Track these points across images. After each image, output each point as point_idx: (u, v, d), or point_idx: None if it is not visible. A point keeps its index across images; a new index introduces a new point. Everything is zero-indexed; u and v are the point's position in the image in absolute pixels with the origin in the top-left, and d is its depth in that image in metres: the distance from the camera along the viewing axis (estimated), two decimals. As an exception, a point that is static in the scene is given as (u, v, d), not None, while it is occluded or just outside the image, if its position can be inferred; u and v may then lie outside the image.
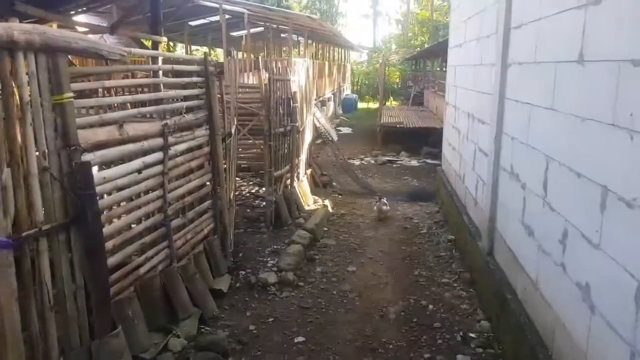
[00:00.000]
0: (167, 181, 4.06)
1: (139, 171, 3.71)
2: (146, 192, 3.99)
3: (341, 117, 23.57)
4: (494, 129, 4.47)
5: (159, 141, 3.94)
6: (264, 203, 6.76)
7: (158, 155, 3.94)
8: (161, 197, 4.03)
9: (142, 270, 3.72)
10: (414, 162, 13.46)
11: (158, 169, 3.96)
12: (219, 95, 4.91)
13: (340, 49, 29.49)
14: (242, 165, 9.74)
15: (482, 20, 5.48)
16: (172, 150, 4.11)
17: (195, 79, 4.65)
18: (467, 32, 6.46)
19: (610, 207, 2.24)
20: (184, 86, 4.76)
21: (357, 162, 13.29)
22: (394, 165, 13.07)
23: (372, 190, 9.76)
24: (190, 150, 4.52)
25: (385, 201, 7.61)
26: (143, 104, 4.42)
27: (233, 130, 5.33)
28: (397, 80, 36.72)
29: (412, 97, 26.71)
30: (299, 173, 8.00)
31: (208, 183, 4.87)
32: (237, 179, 9.27)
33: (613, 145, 2.21)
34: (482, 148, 5.18)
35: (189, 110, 4.62)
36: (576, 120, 2.65)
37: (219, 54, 25.71)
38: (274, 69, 6.95)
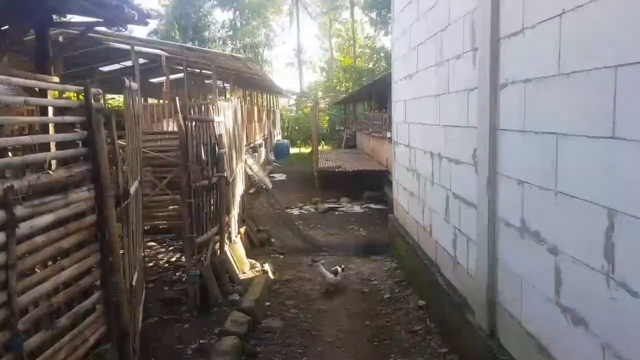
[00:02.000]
0: (15, 278, 2.55)
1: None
2: (-21, 298, 2.46)
3: (274, 163, 22.43)
4: (484, 171, 3.42)
5: (-3, 215, 2.46)
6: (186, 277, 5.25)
7: (-4, 239, 2.45)
8: (5, 304, 2.51)
9: None
10: (357, 208, 12.43)
11: (-3, 260, 2.46)
12: (110, 140, 3.50)
13: (268, 95, 28.73)
14: (160, 226, 8.16)
15: (444, 41, 4.59)
16: (25, 226, 2.64)
17: (69, 118, 3.24)
18: (420, 60, 5.59)
19: None
20: (59, 129, 3.36)
21: (296, 212, 12.03)
22: (337, 213, 11.94)
23: (317, 245, 8.48)
24: (63, 222, 3.05)
25: (338, 269, 6.10)
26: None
27: (133, 189, 3.90)
28: (326, 125, 36.54)
29: (344, 140, 26.25)
30: (230, 233, 6.59)
31: (94, 268, 3.37)
32: (153, 244, 7.68)
33: None
34: (461, 194, 4.13)
35: (62, 163, 3.20)
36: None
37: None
38: (193, 109, 5.66)
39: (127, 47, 13.13)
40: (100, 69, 17.78)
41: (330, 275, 5.97)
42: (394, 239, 7.30)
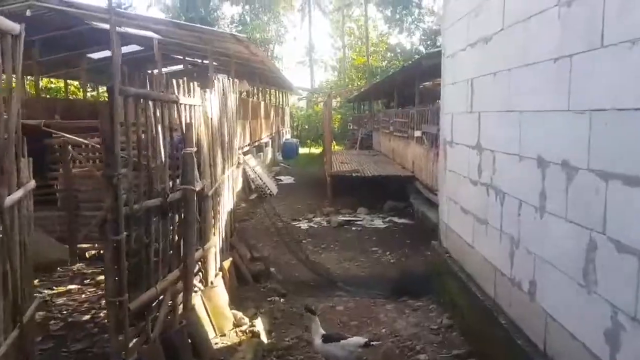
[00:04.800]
0: None
1: None
2: None
3: (281, 164, 20.31)
4: None
5: None
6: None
7: None
8: None
9: None
10: (378, 222, 10.25)
11: None
12: None
13: (277, 91, 26.62)
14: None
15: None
16: None
17: None
18: (511, 7, 3.42)
19: None
20: None
21: (304, 226, 9.89)
22: (353, 228, 9.78)
23: (331, 280, 6.33)
24: None
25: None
26: None
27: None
28: (337, 124, 34.38)
29: (359, 140, 24.04)
30: (207, 273, 4.46)
31: None
32: (93, 279, 5.54)
33: None
34: (648, 249, 1.96)
35: None
36: None
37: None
38: (147, 84, 3.54)
39: (107, 26, 11.08)
40: (90, 55, 15.76)
41: (318, 341, 3.72)
42: (443, 277, 5.12)
